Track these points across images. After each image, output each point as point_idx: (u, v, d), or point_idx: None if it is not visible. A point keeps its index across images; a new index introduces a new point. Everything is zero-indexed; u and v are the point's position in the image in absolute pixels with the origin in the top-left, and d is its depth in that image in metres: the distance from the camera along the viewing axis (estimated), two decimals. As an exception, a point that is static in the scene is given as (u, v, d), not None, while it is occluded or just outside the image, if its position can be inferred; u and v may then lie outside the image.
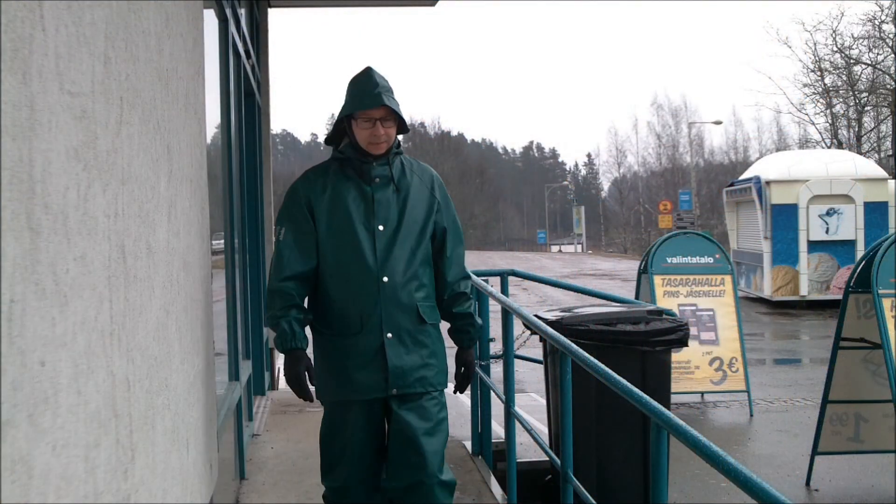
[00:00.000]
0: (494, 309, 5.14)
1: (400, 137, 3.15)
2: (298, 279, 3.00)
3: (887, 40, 29.04)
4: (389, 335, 2.99)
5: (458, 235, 3.20)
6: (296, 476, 4.72)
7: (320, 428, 3.14)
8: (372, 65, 3.11)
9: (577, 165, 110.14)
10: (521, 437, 5.25)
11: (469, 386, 3.36)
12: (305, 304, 3.06)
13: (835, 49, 31.43)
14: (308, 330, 3.11)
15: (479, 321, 3.29)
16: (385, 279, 2.97)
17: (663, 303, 8.13)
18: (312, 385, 3.07)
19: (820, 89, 32.60)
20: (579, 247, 55.56)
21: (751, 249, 16.69)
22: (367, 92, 2.99)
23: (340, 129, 3.13)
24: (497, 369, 6.32)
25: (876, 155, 32.32)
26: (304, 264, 3.01)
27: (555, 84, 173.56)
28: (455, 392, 3.37)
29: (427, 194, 3.12)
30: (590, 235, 63.93)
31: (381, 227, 3.00)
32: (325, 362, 3.06)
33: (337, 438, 3.07)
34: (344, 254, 2.99)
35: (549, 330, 3.82)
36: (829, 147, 31.81)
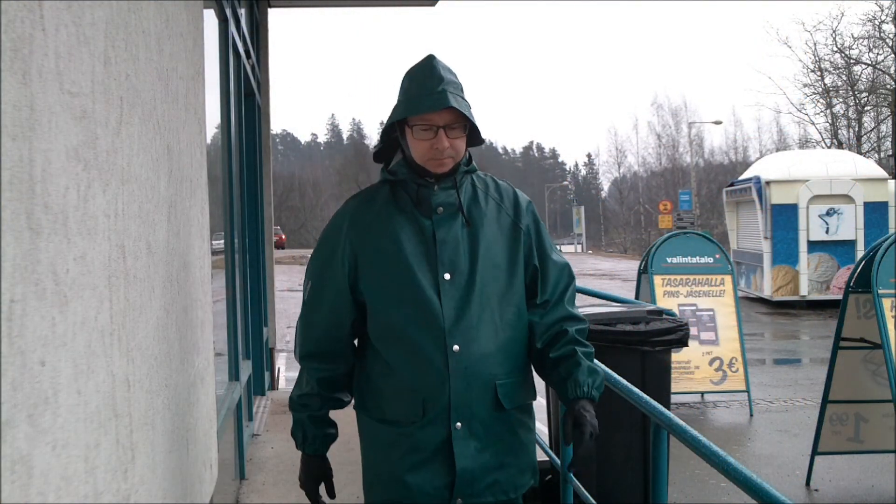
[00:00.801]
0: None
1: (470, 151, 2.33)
2: (325, 357, 2.29)
3: (887, 40, 29.06)
4: (459, 425, 2.18)
5: (562, 271, 2.35)
6: (296, 476, 4.72)
7: None
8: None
9: (577, 165, 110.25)
10: (521, 437, 5.25)
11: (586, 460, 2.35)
12: (339, 382, 2.35)
13: (835, 49, 31.46)
14: (348, 418, 2.44)
15: (598, 365, 2.40)
16: (456, 347, 2.16)
17: (663, 303, 8.13)
18: (331, 497, 2.42)
19: (820, 89, 32.63)
20: (579, 247, 55.59)
21: (751, 249, 16.70)
22: (427, 89, 2.17)
23: (391, 140, 2.31)
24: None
25: (876, 155, 32.34)
26: (334, 334, 2.28)
27: (555, 84, 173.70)
28: (569, 471, 2.52)
29: (509, 224, 2.29)
30: (590, 235, 63.97)
31: (447, 276, 2.19)
32: (372, 454, 2.30)
33: None
34: (399, 313, 2.19)
35: (549, 330, 3.81)
36: (829, 147, 31.84)
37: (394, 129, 2.27)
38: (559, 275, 2.34)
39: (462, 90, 2.23)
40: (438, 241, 2.21)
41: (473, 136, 2.26)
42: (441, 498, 2.20)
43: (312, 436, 2.35)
